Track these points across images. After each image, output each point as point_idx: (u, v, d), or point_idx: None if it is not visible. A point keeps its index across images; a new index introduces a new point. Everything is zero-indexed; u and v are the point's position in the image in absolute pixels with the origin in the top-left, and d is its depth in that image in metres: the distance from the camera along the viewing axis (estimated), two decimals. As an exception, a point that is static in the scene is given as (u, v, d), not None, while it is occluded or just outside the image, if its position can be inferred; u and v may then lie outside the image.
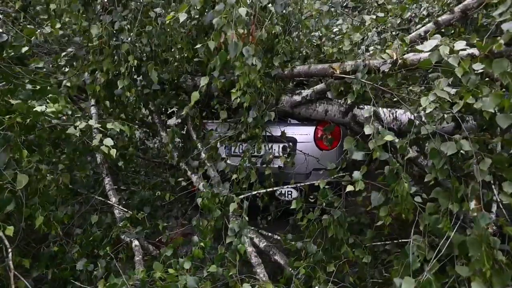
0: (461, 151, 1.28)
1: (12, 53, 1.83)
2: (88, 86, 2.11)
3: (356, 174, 1.63)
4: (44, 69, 2.16)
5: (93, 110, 2.98)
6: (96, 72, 2.04)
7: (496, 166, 1.16)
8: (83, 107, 3.12)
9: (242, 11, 1.55)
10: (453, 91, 1.33)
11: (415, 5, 3.25)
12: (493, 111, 1.17)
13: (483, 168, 1.15)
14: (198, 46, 1.79)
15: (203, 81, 1.79)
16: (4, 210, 1.52)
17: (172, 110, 3.49)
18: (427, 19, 3.00)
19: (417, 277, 1.19)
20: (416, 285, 1.13)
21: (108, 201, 2.74)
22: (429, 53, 1.31)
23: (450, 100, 1.24)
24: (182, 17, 1.64)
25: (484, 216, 1.12)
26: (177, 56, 2.72)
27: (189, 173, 2.85)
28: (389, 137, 1.40)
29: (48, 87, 1.84)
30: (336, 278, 1.68)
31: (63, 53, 2.29)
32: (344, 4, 3.41)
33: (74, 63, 2.56)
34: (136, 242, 2.32)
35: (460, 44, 1.24)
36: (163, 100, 2.97)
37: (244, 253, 1.85)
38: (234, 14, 1.53)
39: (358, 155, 1.65)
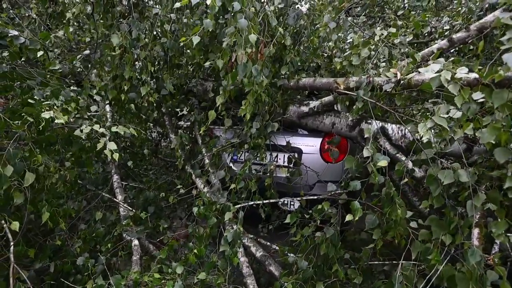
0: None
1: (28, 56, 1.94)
2: (110, 91, 2.21)
3: (356, 204, 1.60)
4: (60, 71, 2.27)
5: (107, 108, 3.11)
6: (117, 78, 2.14)
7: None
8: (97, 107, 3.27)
9: (252, 38, 1.58)
10: (458, 114, 1.28)
11: (436, 18, 3.14)
12: (493, 142, 1.12)
13: (477, 203, 1.09)
14: (207, 63, 1.84)
15: (219, 100, 1.83)
16: (10, 204, 1.62)
17: (182, 113, 3.58)
18: (447, 33, 2.89)
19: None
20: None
21: (115, 199, 2.85)
22: (430, 77, 1.27)
23: (448, 128, 1.19)
24: (196, 40, 1.69)
25: (475, 253, 1.07)
26: (188, 62, 2.80)
27: (193, 176, 2.92)
28: (383, 163, 1.37)
29: (61, 90, 1.95)
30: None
31: (78, 56, 2.42)
32: (359, 15, 3.35)
33: (89, 65, 2.70)
34: (135, 242, 2.39)
35: (462, 71, 1.19)
36: (173, 103, 3.05)
37: (238, 264, 1.87)
38: (244, 37, 1.56)
39: (356, 185, 1.63)
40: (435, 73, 1.26)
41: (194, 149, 3.16)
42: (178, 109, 3.32)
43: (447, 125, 1.18)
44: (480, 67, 1.18)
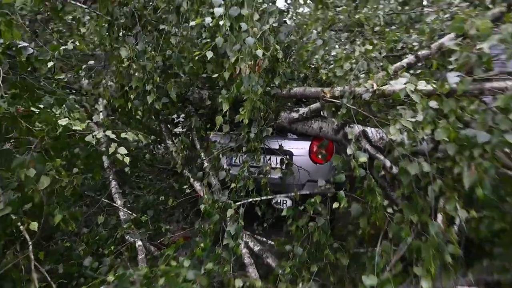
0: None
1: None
2: (116, 100, 2.41)
3: (341, 194, 1.89)
4: (65, 80, 2.44)
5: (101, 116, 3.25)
6: (125, 87, 2.35)
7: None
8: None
9: (259, 53, 1.86)
10: (421, 118, 1.59)
11: (407, 35, 3.56)
12: (447, 139, 1.43)
13: (435, 188, 1.40)
14: (215, 75, 2.08)
15: (225, 107, 2.09)
16: (22, 207, 1.76)
17: (178, 120, 3.78)
18: (417, 47, 3.29)
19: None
20: (378, 282, 1.36)
21: (114, 204, 3.00)
22: (399, 88, 1.58)
23: (412, 129, 1.50)
24: (209, 54, 1.95)
25: (434, 226, 1.36)
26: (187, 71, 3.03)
27: (191, 180, 3.12)
28: (363, 159, 1.66)
29: (66, 99, 2.13)
30: (319, 278, 1.91)
31: (84, 66, 2.60)
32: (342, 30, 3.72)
33: (93, 74, 2.87)
34: (139, 242, 2.54)
35: (421, 84, 1.51)
36: (171, 111, 3.26)
37: (240, 256, 2.10)
38: (247, 52, 1.83)
39: (341, 178, 1.94)
40: (403, 85, 1.57)
41: (191, 154, 3.37)
42: (173, 116, 3.52)
43: (411, 126, 1.48)
44: (435, 81, 1.50)
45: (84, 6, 2.31)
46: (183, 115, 3.51)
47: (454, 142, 1.36)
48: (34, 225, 1.78)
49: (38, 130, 1.80)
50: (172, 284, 1.56)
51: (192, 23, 1.99)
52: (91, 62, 2.81)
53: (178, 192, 3.34)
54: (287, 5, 2.80)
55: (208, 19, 1.93)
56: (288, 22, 3.63)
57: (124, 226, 2.67)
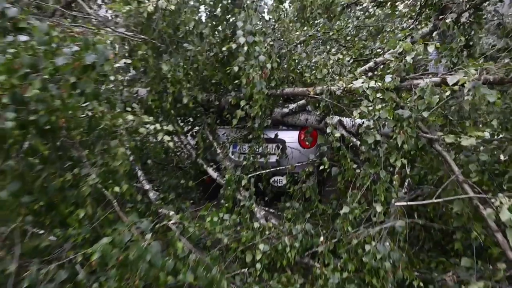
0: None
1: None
2: (154, 102, 3.11)
3: (324, 159, 2.71)
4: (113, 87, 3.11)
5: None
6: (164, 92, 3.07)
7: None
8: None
9: (268, 65, 2.65)
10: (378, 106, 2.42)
11: (372, 42, 4.46)
12: (388, 117, 2.26)
13: (383, 149, 2.22)
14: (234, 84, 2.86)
15: (242, 103, 2.89)
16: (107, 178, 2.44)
17: (189, 118, 4.50)
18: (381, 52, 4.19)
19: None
20: (349, 210, 2.17)
21: (144, 188, 3.68)
22: (358, 86, 2.41)
23: (367, 112, 2.32)
24: (236, 69, 2.75)
25: (383, 173, 2.19)
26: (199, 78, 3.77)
27: (205, 166, 3.85)
28: (337, 135, 2.48)
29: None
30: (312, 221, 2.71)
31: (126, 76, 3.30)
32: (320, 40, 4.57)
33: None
34: (172, 213, 3.26)
35: (371, 83, 2.34)
36: (186, 111, 3.98)
37: (253, 212, 2.86)
38: (259, 63, 2.61)
39: (324, 147, 2.75)
40: (361, 84, 2.39)
41: (204, 145, 4.09)
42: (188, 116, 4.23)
43: (367, 110, 2.30)
44: (380, 80, 2.34)
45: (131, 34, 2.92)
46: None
47: (392, 119, 2.19)
48: (117, 189, 2.39)
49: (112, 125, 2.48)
50: (213, 224, 2.30)
51: (234, 46, 2.76)
52: (131, 74, 3.51)
53: (194, 177, 4.05)
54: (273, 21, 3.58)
55: (234, 45, 2.72)
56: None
57: (156, 203, 3.36)
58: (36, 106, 1.72)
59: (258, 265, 2.32)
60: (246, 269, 2.31)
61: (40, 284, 1.72)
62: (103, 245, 1.80)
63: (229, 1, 2.94)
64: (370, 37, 4.80)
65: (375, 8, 4.62)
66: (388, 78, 2.29)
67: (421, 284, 2.00)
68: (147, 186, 3.76)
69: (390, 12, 4.46)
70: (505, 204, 1.56)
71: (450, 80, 2.09)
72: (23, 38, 1.62)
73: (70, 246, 2.04)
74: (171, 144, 2.69)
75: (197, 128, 4.14)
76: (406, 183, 2.48)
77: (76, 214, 2.13)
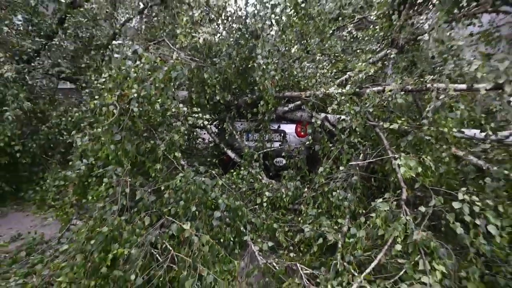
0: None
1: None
2: (195, 99, 4.51)
3: (309, 138, 4.08)
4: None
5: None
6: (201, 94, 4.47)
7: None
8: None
9: (277, 78, 4.01)
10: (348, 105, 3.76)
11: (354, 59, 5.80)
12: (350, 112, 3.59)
13: (345, 134, 3.56)
14: (250, 89, 4.24)
15: (262, 102, 4.25)
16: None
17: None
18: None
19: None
20: (327, 171, 3.50)
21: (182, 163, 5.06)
22: (330, 91, 3.75)
23: (336, 109, 3.64)
24: (257, 78, 4.13)
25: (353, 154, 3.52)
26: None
27: (225, 148, 5.22)
28: (318, 122, 3.83)
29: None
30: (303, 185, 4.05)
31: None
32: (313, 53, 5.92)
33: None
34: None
35: (340, 89, 3.67)
36: (214, 107, 5.37)
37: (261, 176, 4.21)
38: (270, 76, 3.98)
39: (318, 134, 4.12)
40: (333, 90, 3.74)
41: (225, 133, 5.46)
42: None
43: (337, 107, 3.62)
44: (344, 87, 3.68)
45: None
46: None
47: (350, 112, 3.52)
48: (177, 154, 3.77)
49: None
50: (237, 176, 3.66)
51: (261, 61, 4.14)
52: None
53: (216, 156, 5.42)
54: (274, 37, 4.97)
55: (255, 64, 4.10)
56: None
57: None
58: (142, 100, 3.10)
59: (264, 204, 3.66)
60: (257, 206, 3.65)
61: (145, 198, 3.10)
62: (176, 180, 3.16)
63: (249, 35, 4.33)
64: (354, 54, 6.16)
65: (357, 32, 5.97)
66: (347, 87, 3.65)
67: (363, 210, 3.33)
68: (182, 162, 5.15)
69: (369, 34, 5.81)
70: (402, 159, 2.88)
71: (387, 88, 3.43)
72: (139, 63, 3.01)
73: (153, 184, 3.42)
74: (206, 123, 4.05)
75: (217, 121, 5.53)
76: (361, 154, 3.81)
77: (154, 168, 3.50)
